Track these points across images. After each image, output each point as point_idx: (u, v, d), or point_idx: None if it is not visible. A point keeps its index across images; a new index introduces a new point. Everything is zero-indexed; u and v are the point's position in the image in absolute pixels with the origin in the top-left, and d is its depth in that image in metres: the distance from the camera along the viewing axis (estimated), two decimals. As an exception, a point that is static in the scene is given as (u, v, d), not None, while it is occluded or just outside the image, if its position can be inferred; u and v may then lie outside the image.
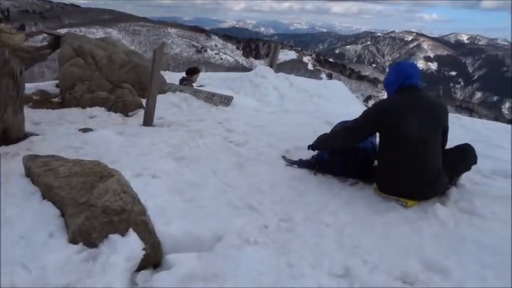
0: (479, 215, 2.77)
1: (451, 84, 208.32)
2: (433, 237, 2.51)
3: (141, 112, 5.92)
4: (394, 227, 2.64)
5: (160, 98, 6.65)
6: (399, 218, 2.76)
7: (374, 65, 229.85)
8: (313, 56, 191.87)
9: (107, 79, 7.29)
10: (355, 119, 3.27)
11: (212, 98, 6.52)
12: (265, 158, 3.96)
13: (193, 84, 8.77)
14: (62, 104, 6.70)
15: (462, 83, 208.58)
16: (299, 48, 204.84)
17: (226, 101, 6.39)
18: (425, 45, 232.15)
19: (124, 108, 5.93)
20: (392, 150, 3.02)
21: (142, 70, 7.75)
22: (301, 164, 3.77)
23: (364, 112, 3.22)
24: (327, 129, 4.11)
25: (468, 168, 3.25)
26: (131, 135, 4.62)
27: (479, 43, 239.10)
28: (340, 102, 10.62)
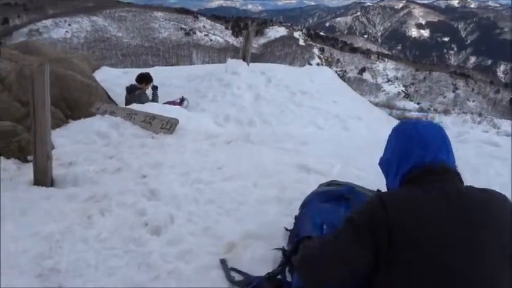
0: None
1: (445, 51, 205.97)
2: None
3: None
4: None
5: (83, 124, 4.96)
6: None
7: (366, 36, 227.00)
8: (304, 31, 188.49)
9: (18, 101, 5.58)
10: (334, 232, 1.57)
11: (151, 123, 4.80)
12: (190, 266, 2.30)
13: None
14: None
15: (456, 49, 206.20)
16: (289, 24, 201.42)
17: (169, 126, 4.67)
18: (416, 12, 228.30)
19: (20, 152, 4.22)
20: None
21: (68, 83, 6.02)
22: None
23: (348, 222, 1.50)
24: (308, 184, 2.78)
25: None
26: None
27: (471, 6, 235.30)
28: (327, 97, 8.90)
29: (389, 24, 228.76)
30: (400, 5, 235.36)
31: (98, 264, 2.37)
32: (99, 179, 3.51)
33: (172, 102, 7.09)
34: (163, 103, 7.20)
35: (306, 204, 2.35)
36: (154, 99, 6.87)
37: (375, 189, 2.46)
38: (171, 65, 12.71)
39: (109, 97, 7.18)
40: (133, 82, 7.08)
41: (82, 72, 6.48)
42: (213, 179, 3.29)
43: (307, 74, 10.17)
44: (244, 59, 9.25)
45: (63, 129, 5.23)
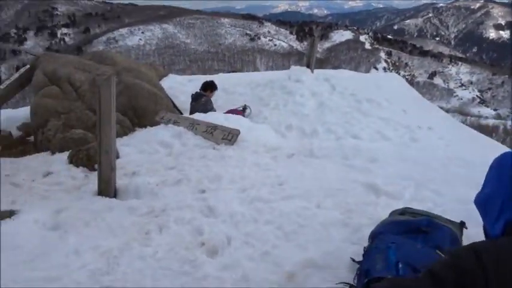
0: None
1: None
2: None
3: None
4: None
5: (148, 134, 5.05)
6: None
7: (437, 38, 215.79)
8: (370, 34, 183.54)
9: (90, 109, 5.83)
10: (412, 282, 1.30)
11: (213, 133, 4.76)
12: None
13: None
14: (24, 150, 5.32)
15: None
16: (355, 28, 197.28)
17: (230, 136, 4.60)
18: (494, 12, 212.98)
19: (88, 160, 4.35)
20: None
21: (137, 92, 6.20)
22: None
23: (429, 277, 1.21)
24: (377, 207, 2.60)
25: None
26: (55, 227, 3.01)
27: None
28: (396, 106, 8.40)
29: (464, 25, 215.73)
30: (477, 5, 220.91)
31: (153, 284, 2.31)
32: (159, 191, 3.50)
33: (235, 111, 7.06)
34: (226, 111, 7.21)
35: (377, 236, 2.10)
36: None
37: (457, 220, 2.16)
38: (235, 71, 12.74)
39: (174, 105, 7.31)
40: (198, 90, 7.16)
41: (149, 81, 6.65)
42: (272, 197, 3.14)
43: (374, 81, 9.72)
44: (308, 66, 9.04)
45: (130, 138, 5.37)
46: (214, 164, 4.03)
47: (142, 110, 6.14)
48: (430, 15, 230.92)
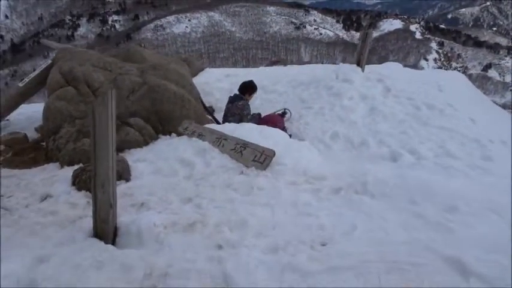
0: None
1: None
2: None
3: (123, 187, 3.66)
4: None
5: (168, 148, 4.31)
6: None
7: (495, 29, 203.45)
8: (422, 23, 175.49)
9: (109, 114, 5.16)
10: None
11: (242, 152, 3.92)
12: None
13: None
14: (35, 158, 4.73)
15: None
16: (405, 16, 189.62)
17: (263, 159, 3.74)
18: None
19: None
20: None
21: (162, 94, 5.47)
22: None
23: None
24: None
25: None
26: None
27: None
28: (462, 114, 7.17)
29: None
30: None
31: None
32: (166, 237, 2.71)
33: (274, 117, 6.20)
34: (264, 117, 6.36)
35: None
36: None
37: None
38: (278, 61, 11.81)
39: (205, 107, 6.55)
40: (237, 92, 6.35)
41: (178, 81, 5.90)
42: (313, 267, 2.25)
43: (434, 81, 8.45)
44: (358, 64, 7.97)
45: (148, 150, 4.66)
46: (240, 199, 3.19)
47: (167, 115, 5.41)
48: (488, 3, 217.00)
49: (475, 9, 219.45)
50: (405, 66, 9.99)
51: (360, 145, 6.11)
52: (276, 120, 6.13)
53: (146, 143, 5.00)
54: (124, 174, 3.75)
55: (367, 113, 6.89)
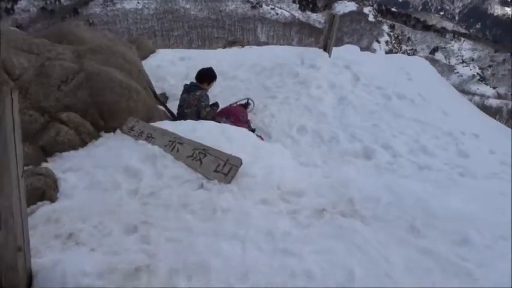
0: None
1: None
2: None
3: (46, 210, 2.86)
4: None
5: (108, 153, 3.52)
6: None
7: (442, 13, 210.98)
8: (375, 6, 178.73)
9: (37, 107, 4.24)
10: None
11: (202, 160, 3.22)
12: None
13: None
14: None
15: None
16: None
17: (227, 170, 3.06)
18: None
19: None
20: None
21: (103, 83, 4.60)
22: None
23: None
24: None
25: None
26: None
27: None
28: (432, 104, 6.80)
29: (469, 0, 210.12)
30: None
31: None
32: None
33: (235, 109, 5.51)
34: (223, 108, 5.64)
35: None
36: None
37: None
38: (235, 42, 10.98)
39: (156, 97, 5.73)
40: (193, 78, 5.55)
41: (123, 66, 5.04)
42: None
43: (400, 67, 8.06)
44: (325, 49, 7.39)
45: (85, 154, 3.83)
46: (200, 227, 2.49)
47: (111, 108, 4.56)
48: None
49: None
50: (361, 49, 9.60)
51: (330, 140, 5.57)
52: (238, 113, 5.45)
53: (84, 143, 4.15)
54: (48, 192, 2.92)
55: (337, 103, 6.35)
